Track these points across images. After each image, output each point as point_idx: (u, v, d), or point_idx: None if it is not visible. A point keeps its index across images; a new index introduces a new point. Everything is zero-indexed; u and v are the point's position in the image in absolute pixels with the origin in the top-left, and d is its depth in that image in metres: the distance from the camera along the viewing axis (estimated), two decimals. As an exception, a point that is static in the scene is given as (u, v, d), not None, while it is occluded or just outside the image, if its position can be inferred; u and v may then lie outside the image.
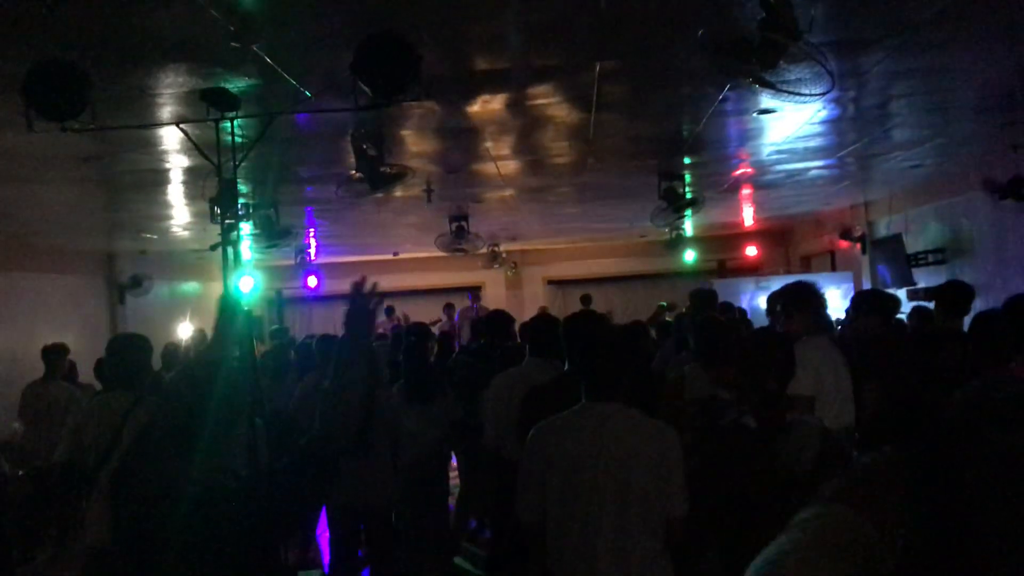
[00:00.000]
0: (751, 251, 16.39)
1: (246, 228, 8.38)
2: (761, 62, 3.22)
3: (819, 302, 4.87)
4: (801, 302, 4.78)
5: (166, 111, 4.72)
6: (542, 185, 8.87)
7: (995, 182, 8.06)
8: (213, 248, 4.14)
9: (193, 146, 4.43)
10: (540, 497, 3.19)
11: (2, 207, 7.84)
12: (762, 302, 12.85)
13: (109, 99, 4.24)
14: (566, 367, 4.47)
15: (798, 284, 4.99)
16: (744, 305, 13.37)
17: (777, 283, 12.97)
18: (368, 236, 13.09)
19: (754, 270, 16.25)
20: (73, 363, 7.93)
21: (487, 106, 5.40)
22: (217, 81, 4.28)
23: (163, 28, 3.66)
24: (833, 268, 14.23)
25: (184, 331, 12.94)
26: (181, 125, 4.36)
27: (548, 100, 5.37)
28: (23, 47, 3.69)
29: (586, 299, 14.88)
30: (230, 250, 4.15)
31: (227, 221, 4.12)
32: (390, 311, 14.14)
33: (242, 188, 7.53)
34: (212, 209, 4.28)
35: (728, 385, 4.22)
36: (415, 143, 6.32)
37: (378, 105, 3.76)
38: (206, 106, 4.15)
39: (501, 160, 7.24)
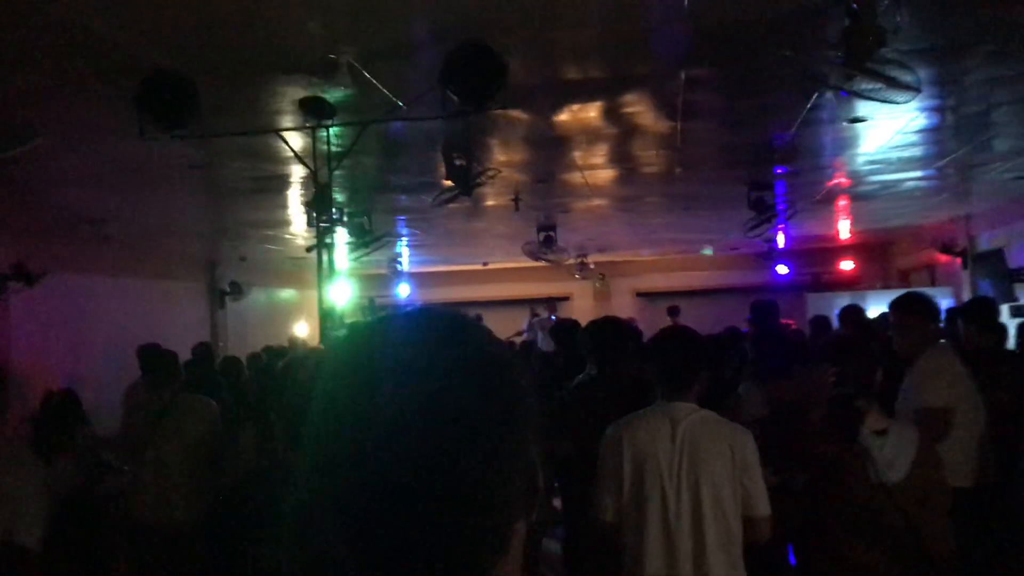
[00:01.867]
0: (847, 265, 16.00)
1: (341, 234, 8.62)
2: (845, 70, 3.21)
3: (928, 311, 4.81)
4: (913, 312, 4.72)
5: (266, 119, 4.94)
6: (630, 195, 8.88)
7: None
8: (309, 250, 4.33)
9: (292, 153, 4.63)
10: (617, 497, 3.20)
11: (112, 214, 8.25)
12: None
13: (214, 108, 4.47)
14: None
15: (909, 293, 4.99)
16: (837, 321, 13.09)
17: (874, 298, 12.68)
18: (458, 245, 13.29)
19: (851, 284, 15.83)
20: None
21: (574, 115, 5.47)
22: (315, 91, 4.47)
23: (266, 40, 3.86)
24: (933, 283, 13.78)
25: (301, 329, 13.78)
26: (281, 132, 4.55)
27: (635, 109, 5.41)
28: (136, 59, 3.93)
29: (673, 311, 14.72)
30: (324, 253, 4.36)
31: (322, 224, 4.31)
32: (478, 320, 14.29)
33: (337, 196, 7.78)
34: (308, 213, 4.48)
35: (782, 403, 4.21)
36: (503, 152, 6.43)
37: (465, 112, 3.88)
38: (303, 115, 4.34)
39: (588, 169, 7.30)
